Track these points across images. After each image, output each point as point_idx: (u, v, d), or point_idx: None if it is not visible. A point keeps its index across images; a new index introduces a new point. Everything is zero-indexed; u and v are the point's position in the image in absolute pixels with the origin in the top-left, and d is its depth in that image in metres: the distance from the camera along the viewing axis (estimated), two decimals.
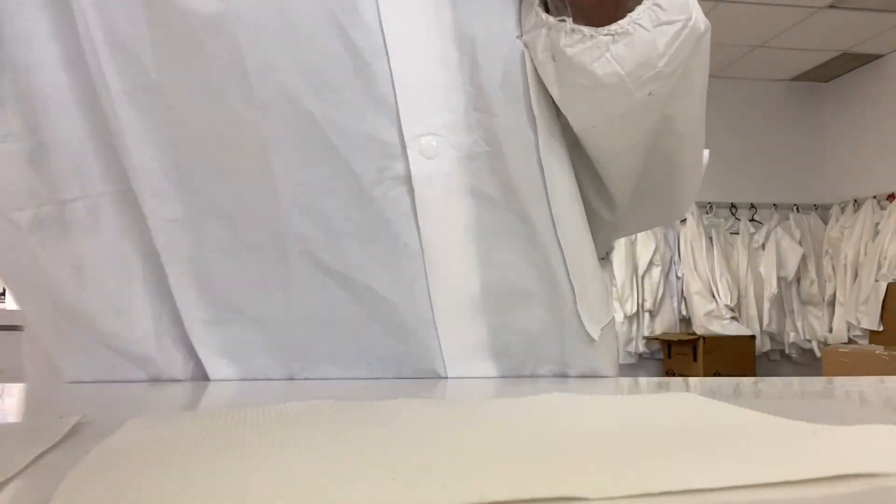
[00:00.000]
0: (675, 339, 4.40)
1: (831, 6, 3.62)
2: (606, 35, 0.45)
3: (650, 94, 0.46)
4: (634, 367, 4.54)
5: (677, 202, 0.63)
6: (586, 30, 0.45)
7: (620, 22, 0.44)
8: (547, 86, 0.50)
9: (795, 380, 0.60)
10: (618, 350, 0.60)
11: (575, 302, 0.53)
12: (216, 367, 0.51)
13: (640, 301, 4.49)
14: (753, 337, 4.47)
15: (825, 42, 4.14)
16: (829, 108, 4.85)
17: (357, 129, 0.47)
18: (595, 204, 0.60)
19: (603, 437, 0.29)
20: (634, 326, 4.48)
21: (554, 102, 0.51)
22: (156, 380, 0.52)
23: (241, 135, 0.47)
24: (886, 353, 3.47)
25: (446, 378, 0.51)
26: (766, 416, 0.32)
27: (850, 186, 4.61)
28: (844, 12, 3.70)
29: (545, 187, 0.51)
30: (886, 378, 0.59)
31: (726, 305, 4.48)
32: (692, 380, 0.55)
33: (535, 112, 0.50)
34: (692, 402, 0.37)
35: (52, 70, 0.48)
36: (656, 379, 0.59)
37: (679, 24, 0.44)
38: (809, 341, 4.59)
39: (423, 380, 0.52)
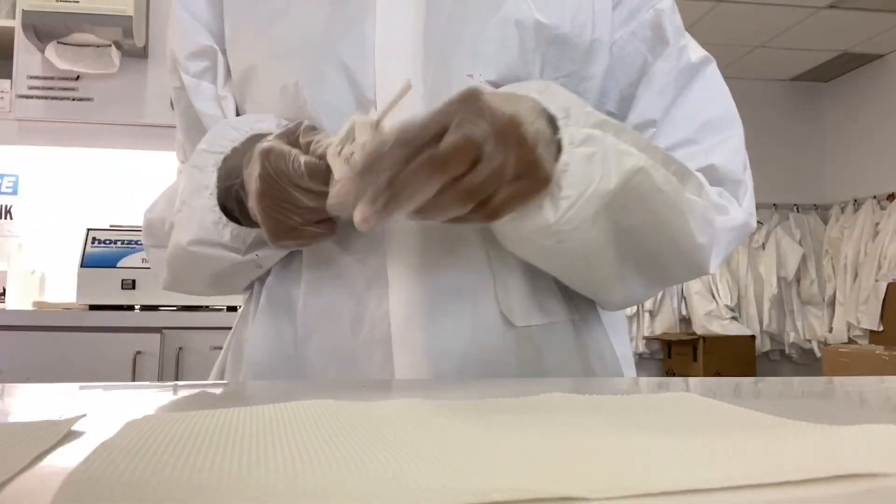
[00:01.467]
0: (675, 339, 4.40)
1: (831, 6, 3.62)
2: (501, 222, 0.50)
3: (559, 242, 0.51)
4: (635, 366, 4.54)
5: (683, 262, 0.59)
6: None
7: (511, 214, 0.49)
8: None
9: (795, 380, 0.60)
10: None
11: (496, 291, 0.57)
12: None
13: None
14: (753, 337, 4.46)
15: (825, 42, 4.14)
16: (829, 108, 4.84)
17: (333, 102, 0.58)
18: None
19: (603, 436, 0.29)
20: (634, 326, 4.48)
21: None
22: None
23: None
24: (886, 353, 3.47)
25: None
26: (765, 416, 0.32)
27: (850, 186, 4.61)
28: (844, 12, 3.70)
29: None
30: (886, 378, 0.59)
31: (726, 305, 4.48)
32: (692, 380, 0.55)
33: None
34: (692, 402, 0.37)
35: None
36: (656, 379, 0.59)
37: (572, 197, 0.49)
38: (809, 341, 4.59)
39: (421, 380, 0.52)
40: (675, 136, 0.61)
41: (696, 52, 0.64)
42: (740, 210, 0.61)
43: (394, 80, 0.53)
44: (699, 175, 0.58)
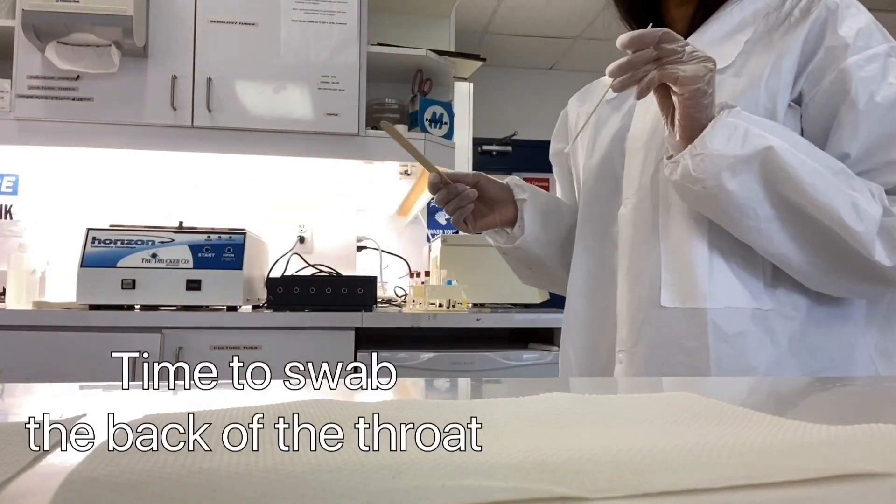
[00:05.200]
0: None
1: None
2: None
3: (703, 188, 0.68)
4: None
5: (846, 245, 0.67)
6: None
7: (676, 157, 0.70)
8: None
9: (795, 380, 0.60)
10: None
11: None
12: None
13: None
14: None
15: None
16: None
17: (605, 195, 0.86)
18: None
19: (603, 436, 0.29)
20: None
21: None
22: None
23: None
24: None
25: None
26: (765, 415, 0.32)
27: None
28: None
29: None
30: (886, 378, 0.59)
31: None
32: (692, 380, 0.55)
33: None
34: (692, 401, 0.37)
35: None
36: (656, 379, 0.59)
37: (704, 154, 0.67)
38: None
39: (421, 379, 0.52)
40: (869, 162, 0.69)
41: (886, 88, 0.71)
42: None
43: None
44: (875, 186, 0.67)
